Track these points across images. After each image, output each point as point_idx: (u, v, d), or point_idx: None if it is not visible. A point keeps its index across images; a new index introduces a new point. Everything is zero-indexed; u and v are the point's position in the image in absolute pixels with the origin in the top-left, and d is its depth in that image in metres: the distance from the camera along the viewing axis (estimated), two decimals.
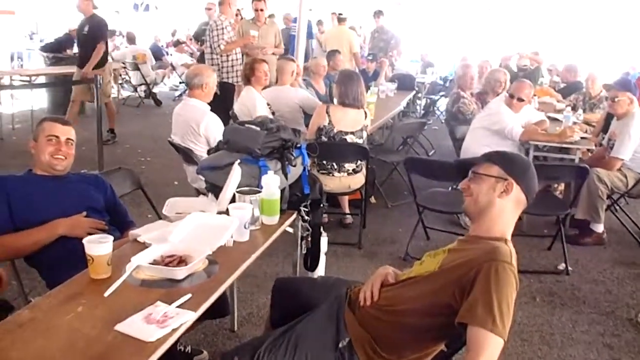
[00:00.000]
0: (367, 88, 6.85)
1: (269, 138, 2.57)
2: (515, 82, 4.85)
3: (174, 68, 11.83)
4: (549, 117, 5.58)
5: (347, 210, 4.64)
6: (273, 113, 5.13)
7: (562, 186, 4.95)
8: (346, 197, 4.60)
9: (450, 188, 4.71)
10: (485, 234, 1.85)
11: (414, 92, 8.07)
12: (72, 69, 7.28)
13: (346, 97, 4.15)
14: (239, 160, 2.47)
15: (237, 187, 2.39)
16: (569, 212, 4.12)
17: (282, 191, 2.50)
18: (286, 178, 2.56)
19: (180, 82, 11.43)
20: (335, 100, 4.37)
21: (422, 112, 8.75)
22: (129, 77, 10.73)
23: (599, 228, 4.39)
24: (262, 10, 6.90)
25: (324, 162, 4.17)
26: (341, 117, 4.14)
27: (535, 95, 7.02)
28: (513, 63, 9.16)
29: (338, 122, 4.13)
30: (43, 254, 2.33)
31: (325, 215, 4.61)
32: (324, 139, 4.14)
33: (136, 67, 10.20)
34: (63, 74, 7.97)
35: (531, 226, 4.53)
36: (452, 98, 5.74)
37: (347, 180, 4.23)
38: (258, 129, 2.61)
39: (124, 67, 10.17)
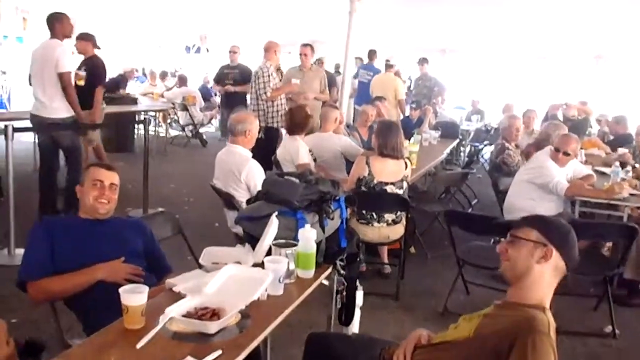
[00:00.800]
0: (411, 136, 6.90)
1: (307, 191, 2.58)
2: (561, 136, 4.76)
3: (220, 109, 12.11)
4: (596, 171, 5.44)
5: (386, 260, 4.60)
6: (315, 159, 5.19)
7: (609, 243, 4.79)
8: (385, 247, 4.57)
9: (492, 241, 4.61)
10: (522, 300, 1.80)
11: (458, 140, 8.02)
12: (126, 108, 7.57)
13: (385, 147, 4.16)
14: (276, 212, 2.48)
15: (274, 240, 2.40)
16: (616, 272, 3.97)
17: (319, 244, 2.50)
18: (323, 231, 2.55)
19: None
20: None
21: (466, 160, 8.65)
22: (178, 117, 11.02)
23: None
24: (306, 55, 7.00)
25: (364, 212, 4.17)
26: (381, 168, 4.14)
27: (582, 147, 6.91)
28: (561, 112, 9.04)
29: (378, 173, 4.13)
30: (81, 297, 2.37)
31: (363, 264, 4.58)
32: (363, 189, 4.14)
33: (185, 108, 10.49)
34: (115, 113, 8.25)
35: (576, 285, 4.37)
36: (496, 149, 5.68)
37: (386, 230, 4.20)
38: (297, 181, 2.63)
39: (173, 108, 10.46)
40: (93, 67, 5.95)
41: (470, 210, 6.63)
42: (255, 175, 3.92)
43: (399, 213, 4.20)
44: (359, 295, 2.79)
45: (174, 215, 3.41)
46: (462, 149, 9.22)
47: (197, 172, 7.88)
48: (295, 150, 4.92)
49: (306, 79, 6.98)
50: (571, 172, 4.80)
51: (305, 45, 7.14)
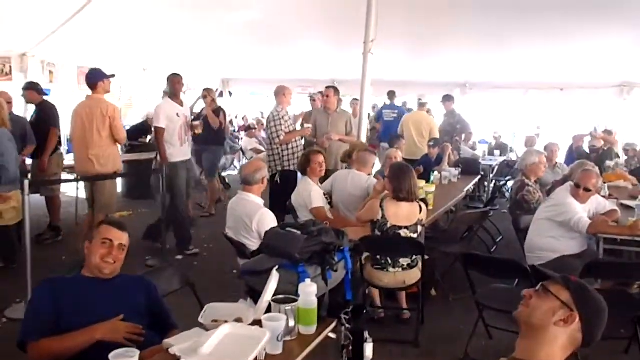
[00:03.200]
0: (430, 174, 6.82)
1: (309, 242, 2.53)
2: (582, 171, 4.63)
3: (243, 153, 12.20)
4: (622, 205, 5.27)
5: (405, 305, 4.48)
6: (330, 203, 5.15)
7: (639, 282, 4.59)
8: (404, 291, 4.45)
9: (515, 283, 4.46)
10: (529, 359, 1.70)
11: (479, 176, 7.89)
12: (149, 156, 7.68)
13: (400, 191, 4.09)
14: (277, 267, 2.43)
15: (275, 294, 2.34)
16: None
17: (322, 297, 2.44)
18: (326, 284, 2.49)
19: None
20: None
21: (489, 197, 8.49)
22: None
23: None
24: (328, 97, 7.01)
25: (378, 257, 4.08)
26: (395, 212, 4.07)
27: (606, 180, 6.72)
28: (586, 143, 8.88)
29: (392, 217, 4.06)
30: (80, 358, 2.34)
31: (381, 310, 4.48)
32: (377, 233, 4.06)
33: None
34: (137, 161, 8.37)
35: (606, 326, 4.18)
36: (516, 186, 5.56)
37: (402, 275, 4.10)
38: (299, 232, 2.58)
39: None
40: (45, 110, 6.53)
41: (494, 248, 6.48)
42: (266, 224, 3.88)
43: (414, 257, 4.10)
44: (369, 347, 2.69)
45: (181, 268, 3.38)
46: (485, 184, 9.07)
47: (217, 217, 7.88)
48: (308, 195, 4.89)
49: (331, 120, 6.97)
50: (594, 208, 4.65)
51: (329, 87, 7.19)
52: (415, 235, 4.07)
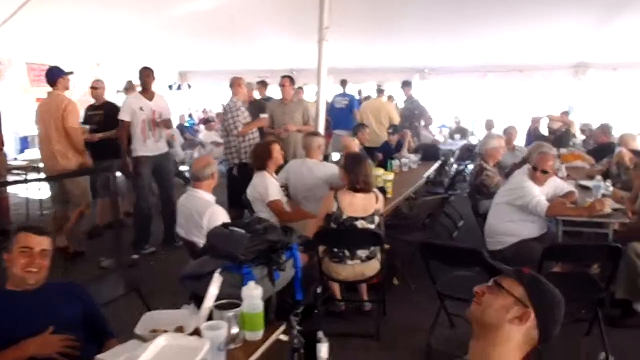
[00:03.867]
0: (392, 160, 6.73)
1: (254, 242, 2.39)
2: (538, 154, 4.58)
3: (203, 146, 11.95)
4: (580, 186, 5.27)
5: (366, 297, 4.37)
6: (288, 195, 5.01)
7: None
8: (364, 284, 4.34)
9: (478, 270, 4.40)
10: None
11: (440, 162, 7.84)
12: None
13: (357, 182, 3.97)
14: (220, 269, 2.29)
15: (219, 299, 2.20)
16: (604, 294, 3.75)
17: (269, 300, 2.31)
18: (273, 285, 2.36)
19: None
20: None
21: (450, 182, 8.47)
22: None
23: None
24: (284, 86, 6.83)
25: (335, 249, 3.96)
26: (350, 203, 3.95)
27: (565, 160, 6.74)
28: (544, 126, 8.90)
29: (347, 208, 3.93)
30: None
31: (342, 303, 4.37)
32: (333, 225, 3.94)
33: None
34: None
35: (566, 309, 4.14)
36: (475, 170, 5.51)
37: (361, 268, 3.98)
38: (243, 231, 2.44)
39: None
40: None
41: (456, 233, 6.43)
42: (218, 221, 3.68)
43: (372, 249, 3.99)
44: (323, 348, 2.58)
45: (127, 273, 3.21)
46: (447, 169, 9.04)
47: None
48: (265, 188, 4.74)
49: (287, 111, 6.80)
50: (552, 190, 4.61)
51: (284, 77, 6.98)
52: (372, 226, 3.96)
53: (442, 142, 9.92)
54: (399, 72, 11.33)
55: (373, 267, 4.01)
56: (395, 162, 6.47)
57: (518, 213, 4.37)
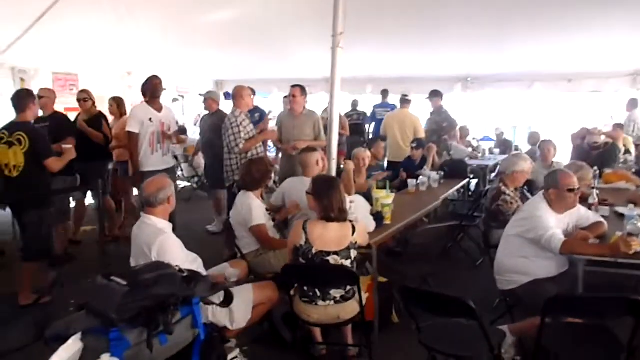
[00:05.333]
0: (416, 177, 6.11)
1: (133, 297, 1.92)
2: (555, 173, 3.88)
3: None
4: (616, 213, 4.53)
5: (350, 340, 3.78)
6: (274, 220, 4.54)
7: None
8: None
9: None
10: None
11: (467, 180, 7.14)
12: None
13: (332, 210, 3.42)
14: (80, 334, 1.82)
15: None
16: (625, 355, 3.04)
17: None
18: (151, 351, 1.87)
19: None
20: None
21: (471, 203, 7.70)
22: (182, 170, 10.53)
23: None
24: (294, 97, 6.32)
25: (305, 288, 3.42)
26: (320, 235, 3.38)
27: (606, 182, 5.95)
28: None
29: (317, 241, 3.37)
30: None
31: (322, 347, 3.82)
32: (302, 260, 3.41)
33: (186, 160, 10.05)
34: None
35: None
36: (491, 194, 4.81)
37: (335, 309, 3.41)
38: (123, 282, 1.96)
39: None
40: None
41: (480, 261, 5.71)
42: (168, 252, 3.24)
43: (348, 288, 3.42)
44: None
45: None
46: (478, 187, 8.26)
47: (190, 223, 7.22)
48: (248, 210, 4.29)
49: (297, 124, 6.30)
50: (574, 220, 3.91)
51: (294, 86, 6.45)
52: (347, 262, 3.38)
53: (480, 156, 9.15)
54: (440, 81, 10.65)
55: (350, 309, 3.45)
56: (411, 181, 5.86)
57: (531, 247, 3.70)
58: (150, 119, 5.68)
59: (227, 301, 2.31)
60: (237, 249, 4.41)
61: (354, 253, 3.42)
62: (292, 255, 3.46)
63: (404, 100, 7.99)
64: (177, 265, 2.13)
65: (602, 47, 8.10)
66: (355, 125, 11.43)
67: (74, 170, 5.79)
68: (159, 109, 5.79)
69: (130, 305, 1.90)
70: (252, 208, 4.30)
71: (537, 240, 3.62)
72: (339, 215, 3.42)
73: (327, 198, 3.42)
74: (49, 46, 8.06)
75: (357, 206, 4.05)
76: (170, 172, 5.94)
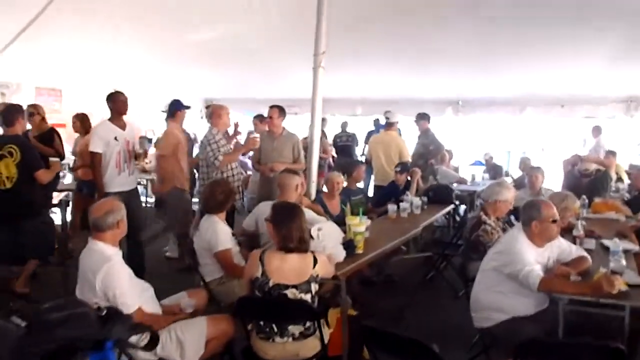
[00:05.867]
0: (398, 203, 5.89)
1: (34, 340, 1.68)
2: (535, 203, 3.66)
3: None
4: (602, 246, 4.30)
5: None
6: (239, 243, 4.31)
7: None
8: None
9: None
10: None
11: (452, 206, 6.90)
12: None
13: (291, 240, 3.17)
14: None
15: None
16: None
17: None
18: None
19: None
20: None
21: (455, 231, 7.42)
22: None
23: None
24: (272, 118, 6.14)
25: (262, 323, 3.17)
26: (278, 266, 3.12)
27: (595, 212, 5.74)
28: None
29: (274, 273, 3.12)
30: None
31: None
32: (258, 294, 3.16)
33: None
34: None
35: None
36: (471, 223, 4.57)
37: (293, 347, 3.15)
38: (22, 324, 1.72)
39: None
40: None
41: (462, 292, 5.44)
42: (114, 281, 2.99)
43: (308, 324, 3.17)
44: None
45: None
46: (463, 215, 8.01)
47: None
48: (213, 234, 4.06)
49: (276, 145, 6.14)
50: (555, 254, 3.68)
51: (272, 106, 6.28)
52: (307, 296, 3.13)
53: (469, 181, 8.93)
54: (431, 104, 10.49)
55: (310, 346, 3.18)
56: (392, 207, 5.63)
57: (508, 283, 3.46)
58: (115, 138, 5.37)
59: (152, 344, 2.07)
60: (200, 277, 4.16)
61: (314, 287, 3.16)
62: (249, 289, 3.21)
63: (388, 123, 7.75)
64: (96, 302, 1.90)
65: (595, 73, 7.97)
66: (344, 146, 11.27)
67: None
68: (122, 126, 5.47)
69: (29, 349, 1.66)
70: (218, 232, 4.08)
71: (515, 275, 3.39)
72: (298, 245, 3.18)
73: (285, 227, 3.17)
74: (32, 60, 7.90)
75: (326, 234, 3.81)
76: (134, 194, 5.67)
